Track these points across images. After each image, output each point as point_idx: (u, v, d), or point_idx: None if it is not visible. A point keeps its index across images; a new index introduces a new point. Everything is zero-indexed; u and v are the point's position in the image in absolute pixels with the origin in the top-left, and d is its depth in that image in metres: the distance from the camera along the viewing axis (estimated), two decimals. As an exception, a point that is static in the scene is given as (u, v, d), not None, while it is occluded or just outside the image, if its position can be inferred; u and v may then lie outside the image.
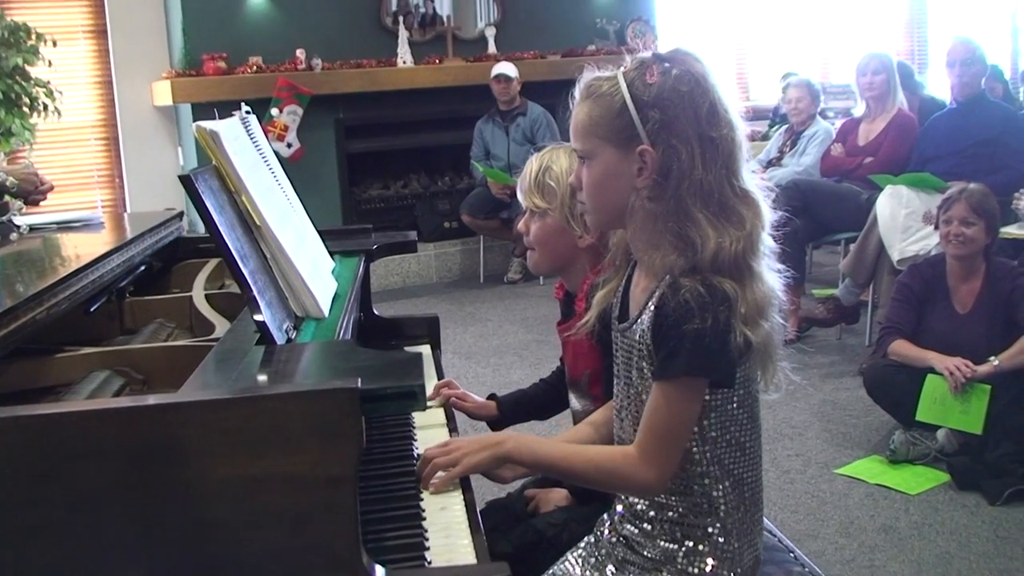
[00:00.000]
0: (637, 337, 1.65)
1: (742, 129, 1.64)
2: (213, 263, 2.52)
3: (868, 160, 5.50)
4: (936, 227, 4.10)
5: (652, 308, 1.61)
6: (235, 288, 2.36)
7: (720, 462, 1.66)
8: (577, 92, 1.69)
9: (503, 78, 7.15)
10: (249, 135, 1.89)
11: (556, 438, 2.01)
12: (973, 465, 3.63)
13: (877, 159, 5.46)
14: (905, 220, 4.90)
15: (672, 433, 1.60)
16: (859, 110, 5.76)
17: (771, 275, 1.64)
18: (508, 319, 6.35)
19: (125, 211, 6.90)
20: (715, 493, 1.67)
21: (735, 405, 1.65)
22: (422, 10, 7.59)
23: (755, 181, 1.65)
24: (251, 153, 1.84)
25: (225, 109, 2.01)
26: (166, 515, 1.23)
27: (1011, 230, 4.60)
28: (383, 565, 1.30)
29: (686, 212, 1.57)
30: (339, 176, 7.34)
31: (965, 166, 4.94)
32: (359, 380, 1.21)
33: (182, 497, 1.22)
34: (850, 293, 5.28)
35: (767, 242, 1.64)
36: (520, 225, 2.16)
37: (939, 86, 8.82)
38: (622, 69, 1.65)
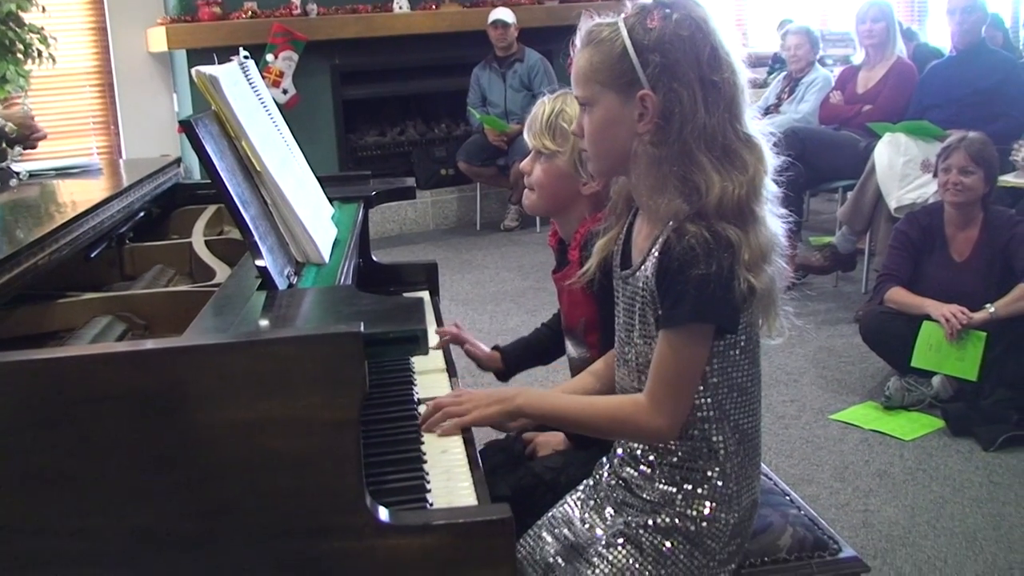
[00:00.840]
0: (640, 284, 1.66)
1: (744, 74, 1.64)
2: (211, 209, 2.52)
3: (867, 108, 5.48)
4: (935, 175, 4.10)
5: (656, 254, 1.62)
6: (234, 234, 2.36)
7: (721, 407, 1.68)
8: (578, 39, 1.68)
9: (500, 24, 7.09)
10: (248, 80, 1.88)
11: (558, 388, 2.02)
12: (968, 412, 3.66)
13: (876, 107, 5.44)
14: (903, 168, 4.90)
15: (681, 380, 1.62)
16: (858, 58, 5.73)
17: (773, 220, 1.65)
18: (505, 266, 6.35)
19: (121, 158, 6.86)
20: (715, 438, 1.68)
21: (738, 351, 1.67)
22: (417, -46, 7.52)
23: (757, 126, 1.65)
24: (250, 99, 1.83)
25: (220, 55, 2.00)
26: (172, 458, 1.24)
27: (1009, 179, 4.60)
28: (385, 507, 1.32)
29: (690, 156, 1.57)
30: (335, 123, 7.30)
31: (964, 114, 4.93)
32: (362, 324, 1.22)
33: (186, 441, 1.24)
34: (847, 241, 5.28)
35: (770, 187, 1.65)
36: (524, 164, 2.15)
37: (938, 35, 8.79)
38: (623, 15, 1.64)
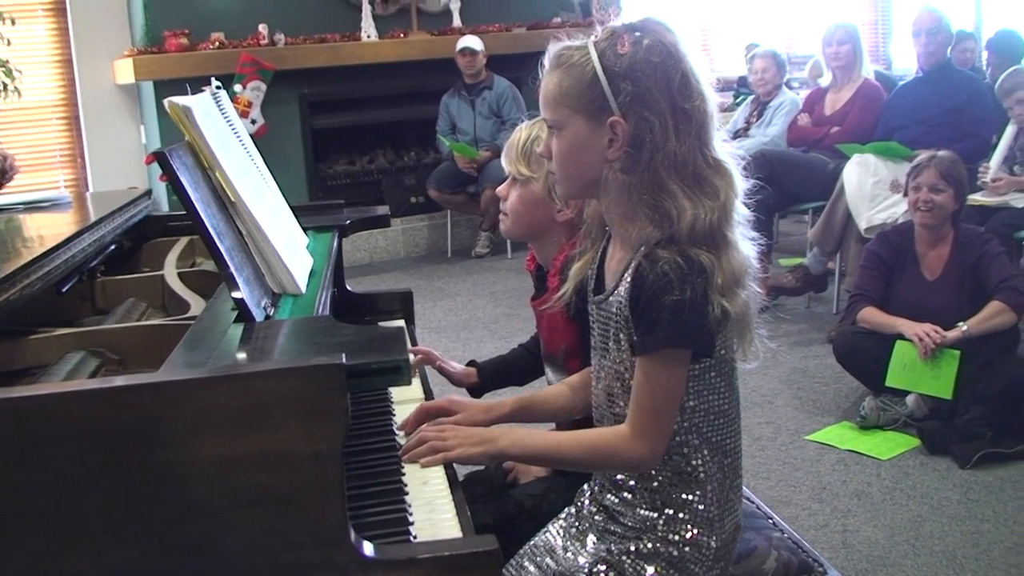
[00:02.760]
0: (614, 309, 1.65)
1: (713, 99, 1.64)
2: (183, 241, 2.49)
3: (835, 129, 5.53)
4: (905, 194, 4.13)
5: (628, 280, 1.61)
6: (207, 266, 2.34)
7: (699, 431, 1.67)
8: (547, 61, 1.67)
9: (468, 52, 7.11)
10: (221, 110, 1.86)
11: (530, 392, 2.01)
12: (943, 430, 3.67)
13: (844, 128, 5.49)
14: (872, 189, 4.93)
15: (659, 406, 1.60)
16: (825, 80, 5.77)
17: (746, 243, 1.65)
18: (477, 293, 6.34)
19: (88, 191, 6.81)
20: (695, 461, 1.67)
21: (714, 374, 1.66)
22: (384, -17, 7.53)
23: (726, 149, 1.65)
24: (224, 128, 1.82)
25: (187, 86, 1.98)
26: (150, 498, 1.22)
27: (977, 197, 4.64)
28: (368, 541, 1.29)
29: (660, 184, 1.57)
30: (304, 152, 7.28)
31: (931, 134, 4.97)
32: (343, 356, 1.21)
33: (166, 479, 1.21)
34: (818, 262, 5.31)
35: (741, 210, 1.65)
36: (500, 190, 2.15)
37: (903, 56, 8.89)
38: (593, 39, 1.63)
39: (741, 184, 1.64)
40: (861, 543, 3.03)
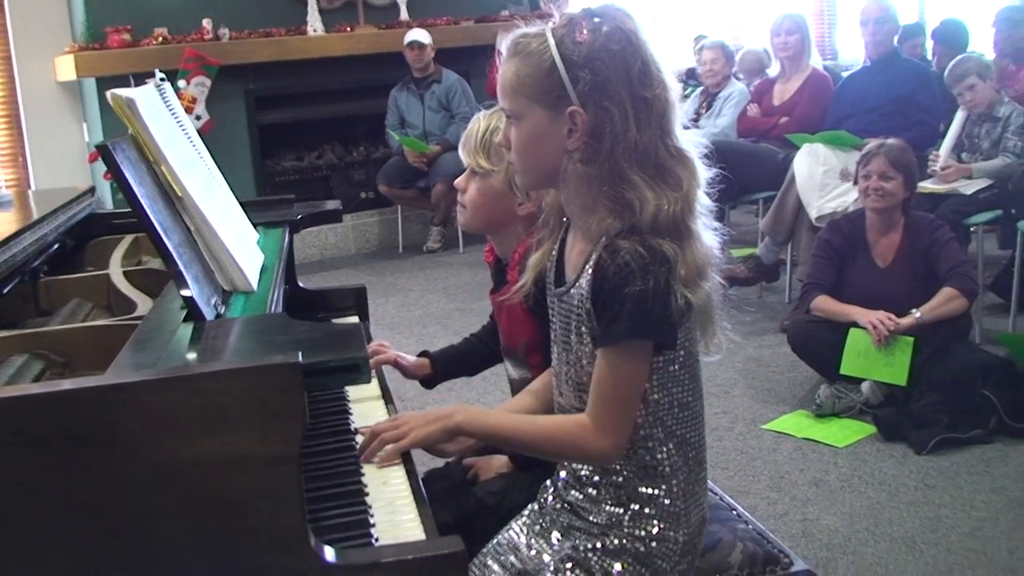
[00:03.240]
0: (575, 302, 1.61)
1: (675, 88, 1.60)
2: (128, 239, 2.42)
3: (784, 120, 5.55)
4: (855, 183, 4.14)
5: (590, 271, 1.58)
6: (154, 264, 2.28)
7: (663, 424, 1.64)
8: (504, 48, 1.62)
9: (416, 45, 7.05)
10: (166, 103, 1.80)
11: (498, 407, 1.97)
12: (898, 416, 3.69)
13: (793, 118, 5.51)
14: (822, 178, 4.95)
15: (622, 399, 1.57)
16: (773, 70, 5.79)
17: (708, 234, 1.62)
18: (430, 288, 6.29)
19: (30, 189, 6.66)
20: (659, 455, 1.64)
21: (677, 367, 1.63)
22: (328, -22, 7.44)
23: (688, 138, 1.62)
24: (169, 122, 1.76)
25: (131, 80, 1.92)
26: (100, 506, 1.16)
27: (927, 185, 4.67)
28: (329, 545, 1.25)
29: (621, 175, 1.53)
30: (251, 148, 7.18)
31: (880, 123, 5.00)
32: (300, 354, 1.16)
33: (116, 485, 1.16)
34: (769, 252, 5.32)
35: (703, 200, 1.62)
36: (459, 182, 2.10)
37: (849, 46, 8.95)
38: (551, 25, 1.59)
39: (704, 173, 1.61)
40: (821, 531, 3.03)
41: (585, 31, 1.55)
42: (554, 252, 1.74)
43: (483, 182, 2.06)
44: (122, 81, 6.27)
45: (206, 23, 6.79)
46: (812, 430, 3.76)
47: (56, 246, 2.21)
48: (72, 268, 2.32)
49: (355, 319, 2.53)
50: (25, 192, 5.75)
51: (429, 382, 2.33)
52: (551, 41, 1.55)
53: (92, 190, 2.62)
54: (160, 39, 6.63)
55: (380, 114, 7.34)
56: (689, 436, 1.67)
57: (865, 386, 3.88)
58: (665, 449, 1.64)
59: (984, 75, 4.78)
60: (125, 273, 2.06)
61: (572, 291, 1.62)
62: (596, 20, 1.55)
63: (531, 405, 1.90)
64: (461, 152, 2.10)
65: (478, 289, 6.03)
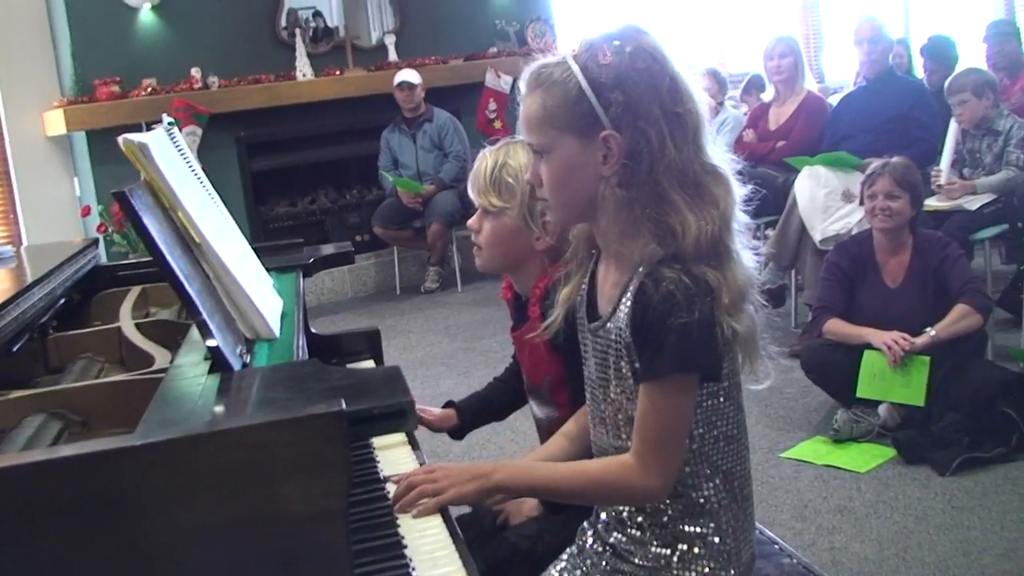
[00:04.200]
0: (613, 336, 1.56)
1: (704, 102, 1.56)
2: (136, 291, 2.36)
3: (780, 144, 5.52)
4: (861, 203, 4.10)
5: (629, 302, 1.52)
6: (164, 315, 2.21)
7: (709, 459, 1.58)
8: (524, 83, 1.58)
9: (406, 86, 7.04)
10: (176, 147, 1.75)
11: (532, 455, 1.90)
12: (919, 438, 3.62)
13: (789, 142, 5.48)
14: (825, 200, 4.91)
15: (668, 435, 1.51)
16: (768, 95, 5.77)
17: (747, 254, 1.57)
18: (430, 329, 6.22)
19: (21, 246, 6.59)
20: (706, 492, 1.59)
21: (722, 399, 1.58)
22: (312, 24, 7.42)
23: (719, 154, 1.57)
24: (181, 166, 1.70)
25: (120, 134, 1.86)
26: (136, 573, 1.09)
27: (931, 203, 4.64)
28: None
29: (662, 196, 1.48)
30: (244, 195, 7.12)
31: (879, 142, 4.96)
32: (342, 402, 1.09)
33: (153, 550, 1.09)
34: (775, 276, 5.27)
35: (740, 218, 1.57)
36: (471, 222, 2.04)
37: (836, 69, 8.97)
38: (572, 53, 1.55)
39: (738, 190, 1.56)
40: (851, 560, 2.96)
41: (608, 54, 1.51)
42: (584, 285, 1.68)
43: (496, 221, 2.00)
44: (112, 134, 6.20)
45: (194, 72, 6.76)
46: (832, 456, 3.69)
47: (63, 301, 2.15)
48: (79, 323, 2.26)
49: (370, 363, 2.46)
50: (30, 246, 5.67)
51: (457, 433, 2.26)
52: (575, 67, 1.51)
53: (96, 242, 2.57)
54: (149, 90, 6.59)
55: (372, 156, 7.31)
56: (735, 470, 1.62)
57: (882, 409, 3.82)
58: (711, 485, 1.58)
59: (980, 93, 4.76)
60: (137, 325, 1.99)
61: (609, 325, 1.56)
62: (617, 43, 1.51)
63: (566, 449, 1.85)
64: (471, 192, 2.04)
65: (480, 328, 5.97)
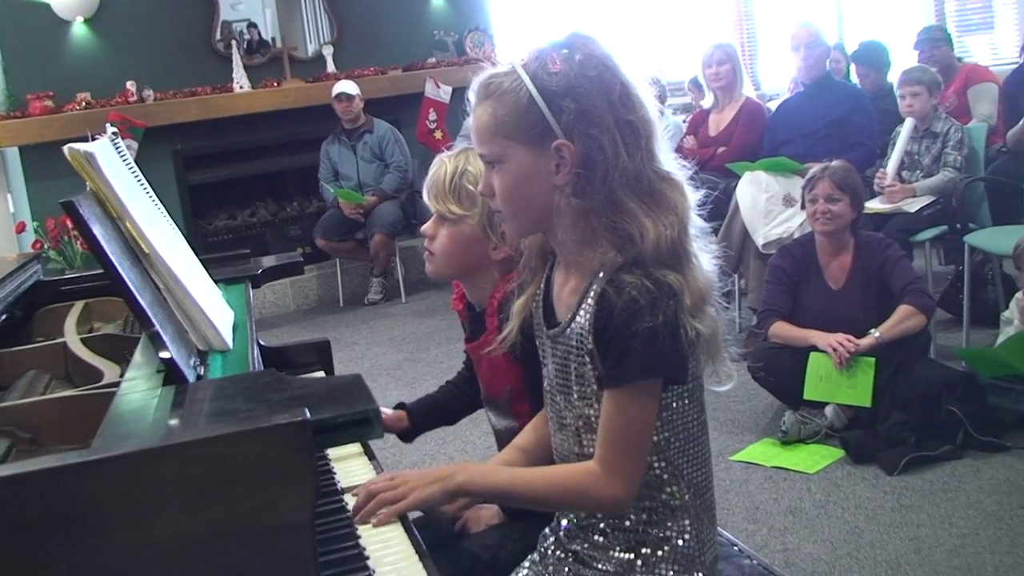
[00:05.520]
0: (574, 342, 1.54)
1: (654, 108, 1.56)
2: (79, 306, 2.31)
3: (721, 150, 5.55)
4: (803, 207, 4.14)
5: (591, 307, 1.50)
6: (108, 329, 2.16)
7: (672, 462, 1.57)
8: (473, 94, 1.56)
9: (344, 97, 6.98)
10: (121, 158, 1.71)
11: (492, 461, 1.87)
12: (866, 438, 3.66)
13: (730, 148, 5.51)
14: (766, 204, 4.94)
15: (633, 441, 1.50)
16: (707, 101, 5.80)
17: (705, 256, 1.57)
18: (375, 341, 6.17)
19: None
20: (667, 495, 1.58)
21: (687, 401, 1.57)
22: (247, 36, 7.35)
23: (671, 162, 1.57)
24: (127, 176, 1.66)
25: (55, 149, 1.82)
26: (97, 591, 1.05)
27: (872, 205, 4.69)
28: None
29: (618, 204, 1.47)
30: (181, 209, 7.01)
31: (819, 147, 5.02)
32: (307, 411, 1.07)
33: (116, 567, 1.05)
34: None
35: (696, 222, 1.57)
36: (426, 228, 2.00)
37: (771, 77, 9.07)
38: (521, 62, 1.53)
39: (692, 195, 1.56)
40: (803, 560, 2.97)
41: (558, 62, 1.50)
42: (539, 293, 1.67)
43: (454, 228, 1.96)
44: (46, 149, 6.14)
45: (130, 85, 6.66)
46: (781, 458, 3.71)
47: (4, 317, 2.09)
48: (22, 339, 2.19)
49: (321, 375, 2.42)
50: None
51: (407, 435, 2.22)
52: (524, 76, 1.50)
53: (37, 257, 2.50)
54: (83, 104, 6.48)
55: (312, 168, 7.25)
56: (697, 473, 1.61)
57: (829, 410, 3.85)
58: (674, 488, 1.58)
59: (932, 91, 4.83)
60: (83, 340, 1.94)
61: (568, 331, 1.55)
62: (565, 51, 1.51)
63: (521, 461, 1.82)
64: (427, 198, 2.00)
65: (425, 339, 5.94)
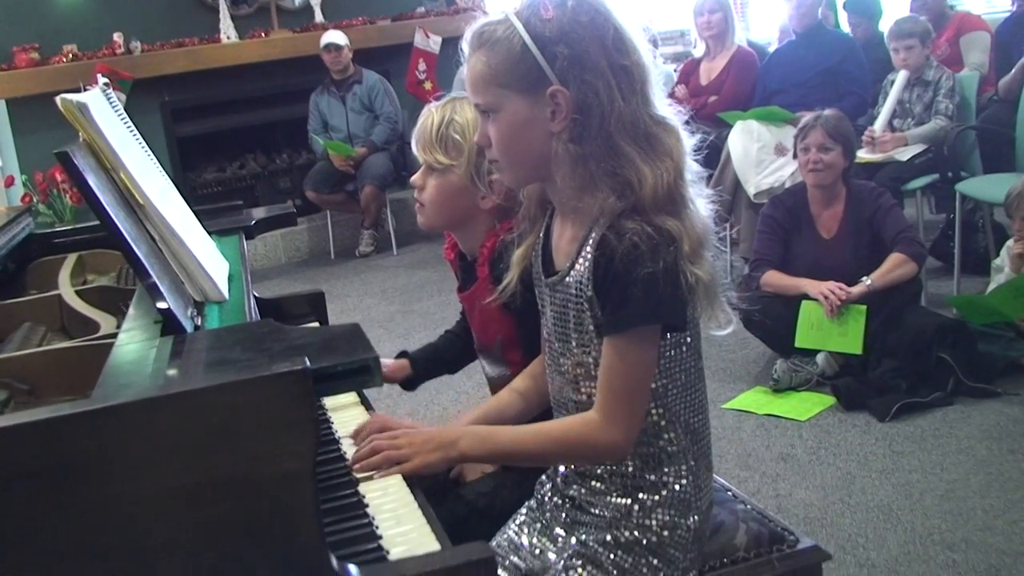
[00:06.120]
0: (573, 290, 1.54)
1: (648, 53, 1.55)
2: (72, 258, 2.30)
3: (712, 99, 5.53)
4: (795, 156, 4.13)
5: (590, 255, 1.50)
6: (102, 281, 2.16)
7: (669, 408, 1.58)
8: (466, 44, 1.55)
9: (333, 47, 6.91)
10: (114, 109, 1.69)
11: (481, 408, 1.88)
12: (857, 385, 3.69)
13: (721, 97, 5.50)
14: (758, 154, 4.94)
15: (633, 388, 1.50)
16: (699, 50, 5.77)
17: (701, 201, 1.57)
18: (367, 293, 6.17)
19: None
20: (665, 441, 1.59)
21: (684, 348, 1.58)
22: (234, -14, 7.28)
23: (666, 107, 1.57)
24: (120, 127, 1.65)
25: (41, 102, 1.80)
26: (100, 541, 1.06)
27: (863, 155, 4.68)
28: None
29: (615, 149, 1.47)
30: (170, 162, 6.95)
31: (810, 96, 5.01)
32: (306, 359, 1.07)
33: (117, 517, 1.06)
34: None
35: (692, 167, 1.56)
36: (415, 179, 1.99)
37: (763, 26, 9.01)
38: (513, 10, 1.52)
39: (688, 140, 1.56)
40: (796, 506, 3.00)
41: (551, 8, 1.49)
42: (539, 241, 1.67)
43: (442, 178, 1.95)
44: (33, 102, 6.09)
45: (117, 37, 6.60)
46: (772, 406, 3.74)
47: (-2, 270, 2.09)
48: (15, 292, 2.19)
49: (316, 326, 2.42)
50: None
51: (410, 383, 2.23)
52: (517, 23, 1.49)
53: (29, 210, 2.48)
54: (70, 56, 6.41)
55: (301, 120, 7.20)
56: (694, 419, 1.62)
57: (820, 357, 3.88)
58: (672, 434, 1.59)
59: (924, 41, 4.81)
60: (78, 292, 1.94)
61: (568, 279, 1.55)
62: None
63: (516, 404, 1.83)
64: (415, 148, 1.99)
65: (417, 291, 5.94)
